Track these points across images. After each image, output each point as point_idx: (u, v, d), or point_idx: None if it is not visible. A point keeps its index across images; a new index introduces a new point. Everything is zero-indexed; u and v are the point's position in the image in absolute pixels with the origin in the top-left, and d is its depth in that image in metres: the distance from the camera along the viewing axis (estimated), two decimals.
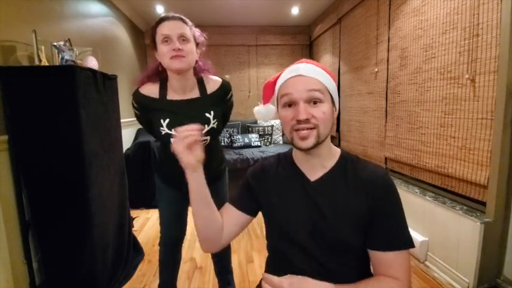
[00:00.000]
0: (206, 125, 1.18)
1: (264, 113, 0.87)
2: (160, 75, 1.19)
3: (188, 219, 1.50)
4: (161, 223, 1.40)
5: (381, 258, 0.68)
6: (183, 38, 1.07)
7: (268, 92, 0.81)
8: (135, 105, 1.21)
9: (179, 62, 1.07)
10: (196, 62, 1.17)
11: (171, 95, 1.18)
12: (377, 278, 0.69)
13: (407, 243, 0.68)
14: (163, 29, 1.06)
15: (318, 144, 0.69)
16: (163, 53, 1.07)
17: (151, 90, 1.18)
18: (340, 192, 0.72)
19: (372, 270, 0.73)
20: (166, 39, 1.06)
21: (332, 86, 0.73)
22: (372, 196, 0.69)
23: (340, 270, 0.71)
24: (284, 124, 0.73)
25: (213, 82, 1.24)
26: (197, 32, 1.16)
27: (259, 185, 0.81)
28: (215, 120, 1.20)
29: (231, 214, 0.82)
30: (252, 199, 0.82)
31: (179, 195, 1.36)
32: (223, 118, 1.36)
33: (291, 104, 0.71)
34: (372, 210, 0.69)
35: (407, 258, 0.69)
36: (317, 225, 0.71)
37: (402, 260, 0.68)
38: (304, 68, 0.71)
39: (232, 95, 1.32)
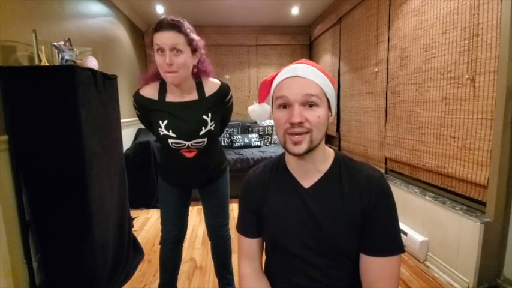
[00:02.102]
0: (203, 127, 1.19)
1: (259, 113, 0.83)
2: (160, 77, 1.20)
3: (188, 219, 1.51)
4: (162, 222, 1.41)
5: (371, 263, 0.66)
6: (176, 50, 1.06)
7: (264, 91, 0.77)
8: (136, 105, 1.24)
9: (171, 78, 1.09)
10: (194, 66, 1.18)
11: (170, 97, 1.20)
12: None
13: (398, 248, 0.67)
14: (157, 39, 1.06)
15: (310, 149, 0.66)
16: (159, 64, 1.08)
17: (151, 91, 1.20)
18: (335, 197, 0.69)
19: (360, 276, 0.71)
20: (160, 49, 1.07)
21: (330, 90, 0.69)
22: (367, 199, 0.67)
23: (336, 274, 0.70)
24: (277, 126, 0.69)
25: (212, 85, 1.25)
26: (195, 37, 1.14)
27: (255, 199, 0.79)
28: (213, 122, 1.21)
29: (254, 245, 0.80)
30: (258, 219, 0.79)
31: (180, 193, 1.37)
32: (223, 121, 1.38)
33: (285, 106, 0.67)
34: (366, 214, 0.67)
35: (398, 264, 0.67)
36: (312, 233, 0.69)
37: (392, 267, 0.66)
38: (302, 68, 0.67)
39: (231, 97, 1.32)
